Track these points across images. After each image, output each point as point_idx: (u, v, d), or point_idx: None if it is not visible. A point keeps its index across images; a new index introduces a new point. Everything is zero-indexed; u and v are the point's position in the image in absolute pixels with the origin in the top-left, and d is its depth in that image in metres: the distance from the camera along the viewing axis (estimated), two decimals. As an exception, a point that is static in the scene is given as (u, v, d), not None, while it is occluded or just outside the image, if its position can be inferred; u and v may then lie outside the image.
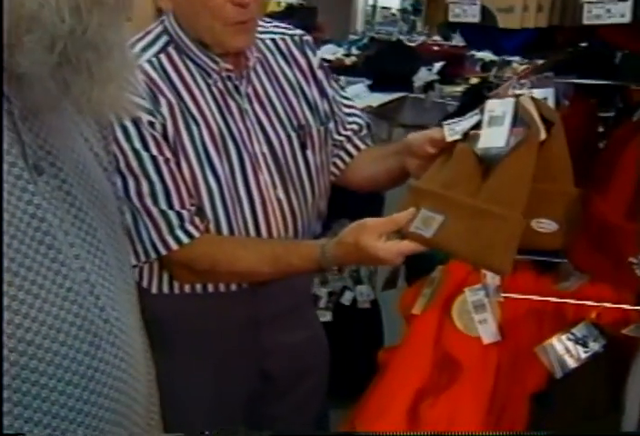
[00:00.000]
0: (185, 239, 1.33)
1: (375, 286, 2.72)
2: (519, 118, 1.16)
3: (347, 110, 1.55)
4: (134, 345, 0.86)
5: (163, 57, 1.35)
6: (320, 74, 1.50)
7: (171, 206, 1.32)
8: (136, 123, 1.27)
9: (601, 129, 1.54)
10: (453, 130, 1.21)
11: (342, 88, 1.63)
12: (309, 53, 1.50)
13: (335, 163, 1.55)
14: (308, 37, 1.52)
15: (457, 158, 1.19)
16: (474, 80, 3.23)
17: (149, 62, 1.33)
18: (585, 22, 1.06)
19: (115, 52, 0.75)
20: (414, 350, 1.42)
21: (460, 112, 1.70)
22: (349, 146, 1.54)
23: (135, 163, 1.29)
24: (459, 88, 2.83)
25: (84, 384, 0.77)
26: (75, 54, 0.72)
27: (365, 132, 1.56)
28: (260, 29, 1.41)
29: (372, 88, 2.95)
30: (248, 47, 1.38)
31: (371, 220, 1.23)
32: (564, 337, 1.22)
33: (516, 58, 3.05)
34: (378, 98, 2.84)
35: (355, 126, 1.55)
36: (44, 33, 0.70)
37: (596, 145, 1.40)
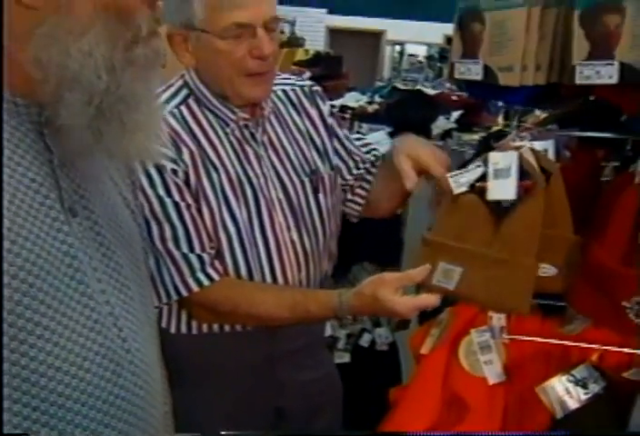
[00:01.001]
0: (205, 281, 1.38)
1: (394, 329, 2.75)
2: (524, 170, 1.24)
3: (362, 146, 1.63)
4: (152, 375, 0.92)
5: (183, 109, 1.42)
6: (331, 120, 1.58)
7: (192, 250, 1.37)
8: (160, 170, 1.34)
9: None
10: (458, 182, 1.28)
11: (359, 133, 1.71)
12: (319, 102, 1.57)
13: (359, 194, 1.62)
14: (317, 88, 1.60)
15: (467, 210, 1.27)
16: (494, 128, 3.29)
17: (171, 113, 1.40)
18: (577, 82, 1.14)
19: (142, 104, 0.84)
20: (423, 389, 1.44)
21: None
22: (369, 177, 1.61)
23: (158, 209, 1.35)
24: (476, 136, 2.89)
25: (105, 409, 0.83)
26: (109, 106, 0.81)
27: (380, 162, 1.63)
28: None
29: (392, 135, 3.03)
30: (265, 98, 1.45)
31: (389, 274, 1.32)
32: (564, 378, 1.23)
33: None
34: (398, 145, 2.90)
35: (371, 157, 1.62)
36: (83, 90, 0.79)
37: (598, 194, 1.45)
